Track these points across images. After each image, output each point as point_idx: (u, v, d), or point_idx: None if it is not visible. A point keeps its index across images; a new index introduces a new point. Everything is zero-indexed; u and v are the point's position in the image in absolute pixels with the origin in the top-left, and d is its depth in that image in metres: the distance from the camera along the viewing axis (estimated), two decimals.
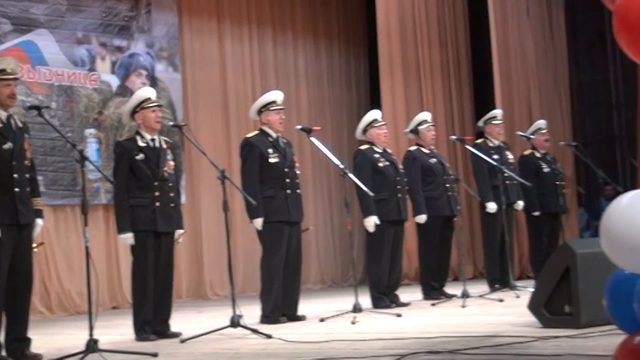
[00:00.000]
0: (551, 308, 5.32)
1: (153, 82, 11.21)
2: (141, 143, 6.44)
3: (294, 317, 7.12)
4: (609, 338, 4.16)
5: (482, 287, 9.01)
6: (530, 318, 5.46)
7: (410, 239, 10.46)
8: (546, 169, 9.86)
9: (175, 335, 6.30)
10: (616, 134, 14.06)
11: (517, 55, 12.82)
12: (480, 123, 9.66)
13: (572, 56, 14.00)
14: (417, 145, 8.84)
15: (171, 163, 6.59)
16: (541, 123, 10.22)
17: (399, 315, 6.99)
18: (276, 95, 7.36)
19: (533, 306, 5.45)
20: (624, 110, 13.99)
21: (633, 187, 2.95)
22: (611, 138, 14.09)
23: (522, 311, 5.63)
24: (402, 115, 12.11)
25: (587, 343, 4.44)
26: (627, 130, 13.73)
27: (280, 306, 7.04)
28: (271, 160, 7.13)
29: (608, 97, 14.18)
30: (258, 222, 7.04)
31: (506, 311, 6.86)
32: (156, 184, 6.38)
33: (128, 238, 6.33)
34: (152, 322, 6.34)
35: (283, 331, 6.17)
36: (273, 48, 13.13)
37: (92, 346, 5.20)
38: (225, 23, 12.46)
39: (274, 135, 7.25)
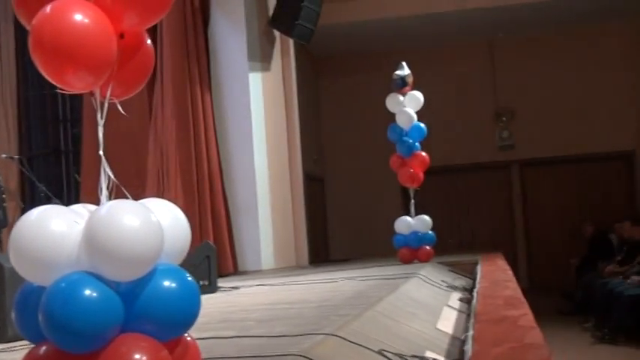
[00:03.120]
0: None
1: None
2: None
3: None
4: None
5: None
6: None
7: None
8: None
9: None
10: (62, 149, 14.28)
11: None
12: None
13: (21, 70, 13.92)
14: None
15: None
16: None
17: None
18: None
19: None
20: (71, 126, 14.29)
21: (77, 202, 3.04)
22: (58, 152, 14.28)
23: None
24: None
25: (14, 357, 4.45)
26: (73, 145, 14.03)
27: None
28: None
29: (56, 112, 14.36)
30: None
31: None
32: None
33: None
34: None
35: None
36: None
37: None
38: None
39: None
